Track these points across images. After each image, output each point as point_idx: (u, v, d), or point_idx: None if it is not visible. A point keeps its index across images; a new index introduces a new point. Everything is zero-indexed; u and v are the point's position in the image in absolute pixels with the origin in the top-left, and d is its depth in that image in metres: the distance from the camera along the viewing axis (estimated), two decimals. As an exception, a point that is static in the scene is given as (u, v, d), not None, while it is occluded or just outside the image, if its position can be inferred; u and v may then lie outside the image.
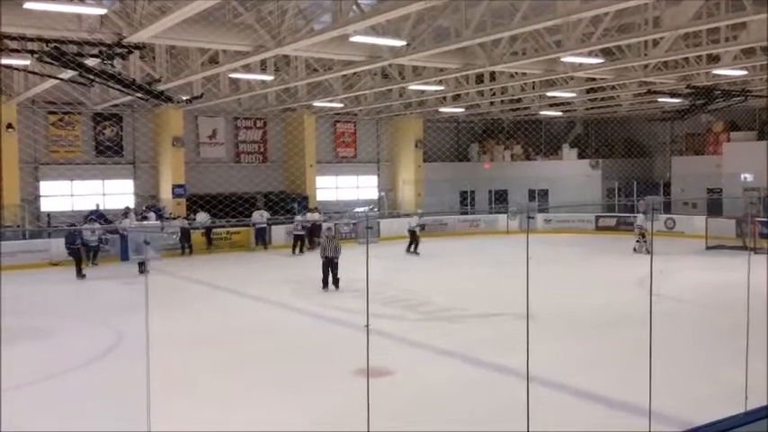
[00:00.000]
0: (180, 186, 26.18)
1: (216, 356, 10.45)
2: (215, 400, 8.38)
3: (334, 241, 16.18)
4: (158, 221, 23.18)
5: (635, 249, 21.76)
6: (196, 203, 25.77)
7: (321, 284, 15.96)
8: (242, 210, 25.93)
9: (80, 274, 18.73)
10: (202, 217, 24.92)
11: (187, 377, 9.25)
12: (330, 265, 15.89)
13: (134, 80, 16.69)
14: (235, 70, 18.93)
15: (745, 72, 19.56)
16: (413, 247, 23.15)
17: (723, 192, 28.89)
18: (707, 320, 12.69)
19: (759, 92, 22.62)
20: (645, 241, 21.39)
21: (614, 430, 7.07)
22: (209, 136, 28.44)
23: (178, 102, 20.13)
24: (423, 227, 24.58)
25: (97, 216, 23.78)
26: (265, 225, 24.98)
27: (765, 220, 24.30)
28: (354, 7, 12.56)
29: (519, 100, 27.25)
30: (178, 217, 24.66)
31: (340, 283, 15.95)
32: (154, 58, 19.26)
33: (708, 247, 22.65)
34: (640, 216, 22.41)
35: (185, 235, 23.60)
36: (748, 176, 27.68)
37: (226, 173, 28.51)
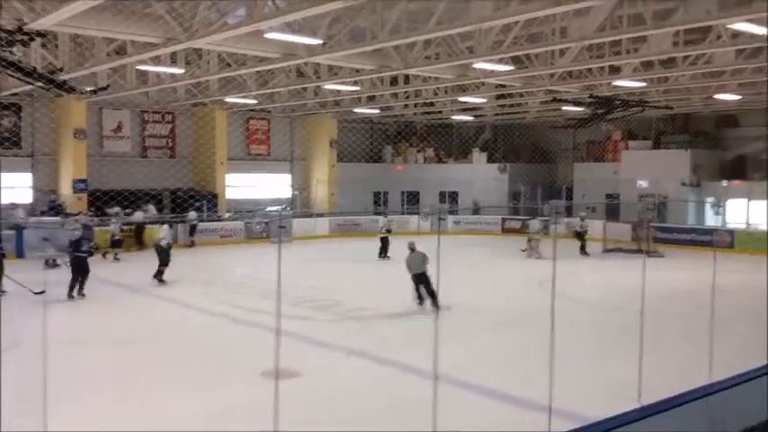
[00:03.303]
0: (81, 181, 25.09)
1: (121, 356, 10.10)
2: (117, 399, 8.10)
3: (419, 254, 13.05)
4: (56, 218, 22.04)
5: (525, 251, 22.35)
6: (99, 199, 24.73)
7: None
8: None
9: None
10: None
11: (90, 376, 8.95)
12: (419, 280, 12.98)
13: (35, 68, 15.89)
14: (143, 62, 18.33)
15: (643, 84, 20.64)
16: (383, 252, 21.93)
17: (621, 197, 30.34)
18: (604, 319, 13.28)
19: (656, 103, 23.91)
20: (532, 247, 22.07)
21: (515, 428, 7.30)
22: (113, 129, 27.38)
23: (82, 92, 19.28)
24: (389, 230, 22.68)
25: None
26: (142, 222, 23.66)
27: (659, 225, 25.89)
28: (270, 3, 12.42)
29: (432, 104, 27.67)
30: (80, 213, 23.56)
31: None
32: (57, 46, 18.35)
33: (605, 250, 23.74)
34: (533, 221, 23.11)
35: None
36: (643, 183, 29.23)
37: (131, 168, 27.54)
